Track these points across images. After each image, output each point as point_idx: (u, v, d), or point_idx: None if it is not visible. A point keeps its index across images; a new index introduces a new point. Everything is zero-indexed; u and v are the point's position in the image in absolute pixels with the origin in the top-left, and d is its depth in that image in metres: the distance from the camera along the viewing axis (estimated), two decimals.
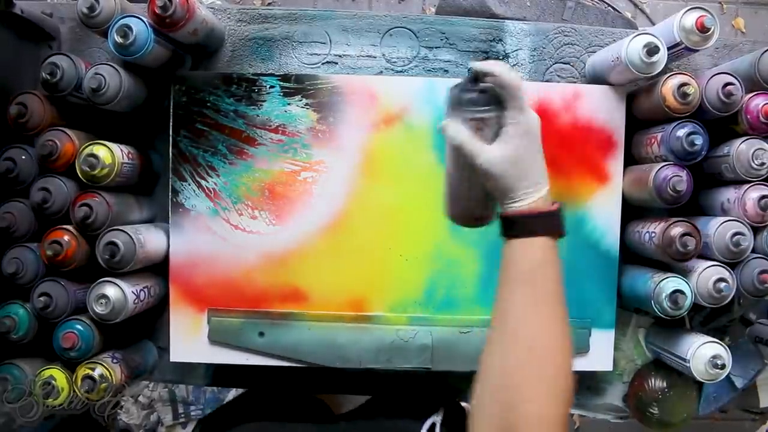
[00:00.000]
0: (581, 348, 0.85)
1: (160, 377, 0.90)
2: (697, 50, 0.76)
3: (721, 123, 0.78)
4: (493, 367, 0.51)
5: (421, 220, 0.83)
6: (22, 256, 0.75)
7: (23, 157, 0.77)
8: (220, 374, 0.91)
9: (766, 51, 0.76)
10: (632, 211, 0.86)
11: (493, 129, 0.56)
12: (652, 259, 0.82)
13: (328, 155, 0.84)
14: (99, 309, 0.74)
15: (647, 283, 0.79)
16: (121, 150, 0.78)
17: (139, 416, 1.72)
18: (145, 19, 0.73)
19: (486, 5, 1.04)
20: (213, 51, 0.88)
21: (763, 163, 0.75)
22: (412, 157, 0.84)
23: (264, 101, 0.83)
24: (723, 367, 0.76)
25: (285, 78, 0.83)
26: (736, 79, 0.75)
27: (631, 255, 0.86)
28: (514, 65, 0.89)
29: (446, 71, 0.89)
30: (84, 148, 0.75)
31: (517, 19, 0.99)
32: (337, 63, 0.89)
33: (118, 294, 0.74)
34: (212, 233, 0.83)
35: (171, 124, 0.83)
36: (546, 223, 0.54)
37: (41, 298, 0.74)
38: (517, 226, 0.54)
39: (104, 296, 0.74)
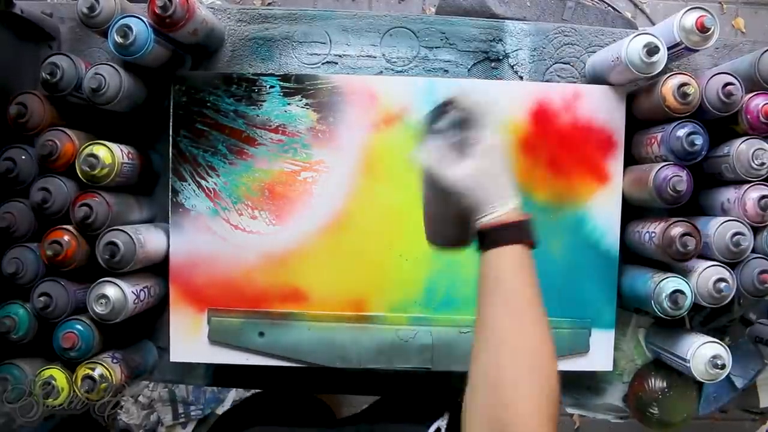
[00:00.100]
0: (581, 348, 0.85)
1: (160, 377, 0.90)
2: (697, 50, 0.76)
3: (721, 123, 0.78)
4: (480, 370, 0.53)
5: (421, 220, 0.83)
6: (22, 256, 0.75)
7: (23, 157, 0.77)
8: (220, 374, 0.91)
9: (766, 51, 0.76)
10: (632, 211, 0.86)
11: (460, 152, 0.60)
12: (652, 259, 0.82)
13: (328, 155, 0.84)
14: (99, 309, 0.74)
15: (647, 283, 0.79)
16: (121, 150, 0.78)
17: (139, 416, 1.72)
18: (145, 19, 0.73)
19: (486, 5, 1.04)
20: (213, 51, 0.88)
21: (763, 163, 0.75)
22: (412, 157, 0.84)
23: (264, 101, 0.83)
24: (723, 367, 0.76)
25: (285, 78, 0.83)
26: (736, 79, 0.75)
27: (631, 255, 0.87)
28: (514, 65, 0.89)
29: (446, 71, 0.89)
30: (84, 148, 0.75)
31: (517, 19, 0.99)
32: (337, 63, 0.89)
33: (118, 294, 0.74)
34: (212, 233, 0.83)
35: (171, 124, 0.83)
36: (517, 233, 0.57)
37: (41, 298, 0.74)
38: (490, 238, 0.56)
39: (104, 296, 0.74)
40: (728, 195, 0.79)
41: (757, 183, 0.77)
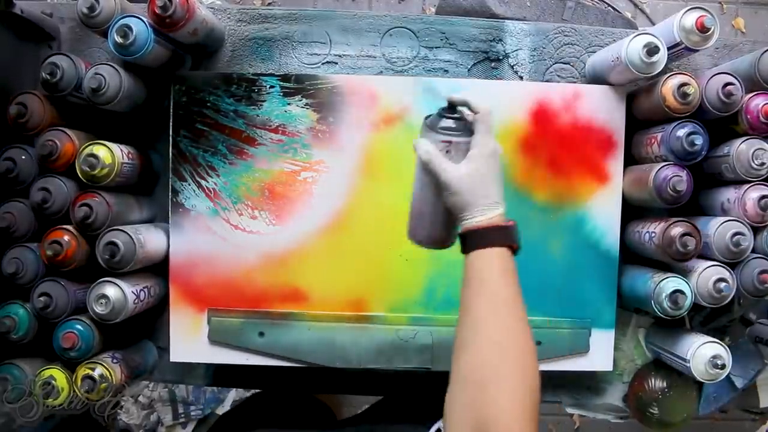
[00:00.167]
0: (581, 348, 0.85)
1: (160, 377, 0.90)
2: (697, 50, 0.76)
3: (721, 123, 0.78)
4: (463, 368, 0.54)
5: None
6: (22, 256, 0.75)
7: (23, 157, 0.77)
8: (220, 374, 0.91)
9: (766, 51, 0.76)
10: (632, 211, 0.86)
11: (461, 153, 0.62)
12: (652, 259, 0.82)
13: (328, 155, 0.84)
14: (99, 309, 0.74)
15: (647, 283, 0.79)
16: (121, 150, 0.78)
17: (139, 416, 1.72)
18: (145, 19, 0.73)
19: (486, 5, 1.04)
20: (213, 51, 0.88)
21: (763, 163, 0.75)
22: (412, 157, 0.84)
23: (264, 101, 0.83)
24: (723, 367, 0.76)
25: (285, 78, 0.83)
26: (736, 79, 0.75)
27: (631, 255, 0.87)
28: (514, 65, 0.89)
29: (446, 71, 0.89)
30: (84, 148, 0.75)
31: (517, 19, 0.99)
32: (337, 63, 0.89)
33: (118, 294, 0.74)
34: (212, 233, 0.84)
35: (171, 124, 0.83)
36: (501, 236, 0.59)
37: (41, 298, 0.74)
38: (475, 239, 0.59)
39: (104, 296, 0.74)
40: (728, 195, 0.79)
41: (757, 183, 0.77)
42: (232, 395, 1.77)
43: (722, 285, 0.75)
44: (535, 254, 0.84)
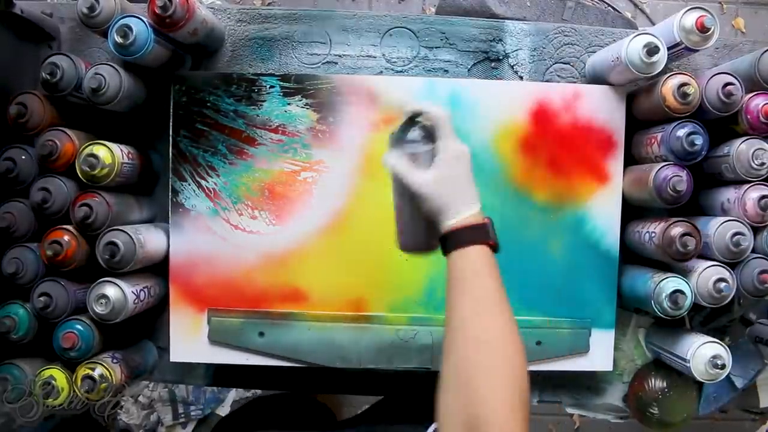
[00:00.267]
0: (581, 348, 0.85)
1: (160, 377, 0.90)
2: (697, 50, 0.76)
3: (721, 123, 0.78)
4: (452, 368, 0.55)
5: None
6: (22, 256, 0.75)
7: (23, 157, 0.77)
8: (220, 374, 0.91)
9: (766, 51, 0.76)
10: (632, 211, 0.86)
11: (428, 162, 0.64)
12: (652, 259, 0.82)
13: (328, 155, 0.84)
14: (99, 309, 0.74)
15: (647, 283, 0.79)
16: (121, 150, 0.78)
17: (139, 416, 1.72)
18: (145, 19, 0.73)
19: (486, 5, 1.04)
20: (213, 51, 0.88)
21: (763, 163, 0.75)
22: None
23: (264, 101, 0.83)
24: (723, 367, 0.76)
25: (285, 78, 0.83)
26: (736, 79, 0.75)
27: (631, 255, 0.87)
28: (514, 65, 0.89)
29: (446, 71, 0.89)
30: (84, 148, 0.75)
31: (517, 19, 0.99)
32: (337, 63, 0.89)
33: (118, 294, 0.74)
34: (212, 233, 0.84)
35: (171, 124, 0.83)
36: (478, 234, 0.60)
37: (41, 298, 0.74)
38: (452, 240, 0.60)
39: (104, 296, 0.74)
40: (728, 195, 0.79)
41: (757, 183, 0.77)
42: (232, 395, 1.77)
43: (722, 285, 0.75)
44: (535, 254, 0.84)
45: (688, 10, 0.75)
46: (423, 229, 0.67)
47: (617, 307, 0.86)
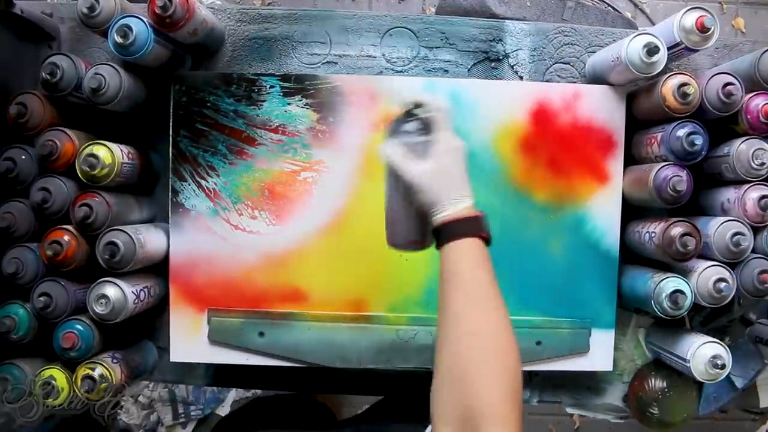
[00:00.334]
0: (581, 348, 0.85)
1: (160, 377, 0.90)
2: (697, 50, 0.76)
3: (721, 123, 0.78)
4: (445, 362, 0.55)
5: None
6: (22, 256, 0.75)
7: (23, 157, 0.77)
8: (220, 374, 0.91)
9: (766, 51, 0.76)
10: (632, 211, 0.86)
11: (424, 152, 0.64)
12: (652, 259, 0.82)
13: (328, 155, 0.84)
14: (99, 309, 0.74)
15: (647, 283, 0.79)
16: (121, 150, 0.78)
17: (139, 416, 1.72)
18: (145, 19, 0.73)
19: (486, 5, 1.04)
20: (213, 51, 0.88)
21: (763, 163, 0.75)
22: None
23: (264, 101, 0.83)
24: (723, 367, 0.76)
25: (285, 78, 0.83)
26: (736, 79, 0.75)
27: (631, 255, 0.87)
28: (514, 65, 0.89)
29: (446, 71, 0.89)
30: (84, 148, 0.75)
31: (517, 19, 0.99)
32: (337, 63, 0.89)
33: (118, 294, 0.74)
34: (212, 233, 0.84)
35: (171, 124, 0.83)
36: (470, 227, 0.60)
37: (41, 298, 0.74)
38: (446, 232, 0.60)
39: (104, 296, 0.74)
40: (728, 195, 0.79)
41: (757, 183, 0.77)
42: (232, 395, 1.77)
43: (722, 285, 0.75)
44: (535, 254, 0.84)
45: (688, 10, 0.75)
46: (413, 225, 0.67)
47: (617, 307, 0.86)
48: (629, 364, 0.91)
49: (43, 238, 0.75)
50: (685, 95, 0.75)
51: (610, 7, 1.21)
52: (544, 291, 0.85)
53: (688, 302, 0.75)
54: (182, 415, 1.73)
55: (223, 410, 1.76)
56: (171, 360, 0.85)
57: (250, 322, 0.84)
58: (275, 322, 0.84)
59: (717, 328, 0.88)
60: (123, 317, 0.75)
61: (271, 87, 0.83)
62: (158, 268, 0.84)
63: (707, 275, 0.76)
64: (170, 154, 0.83)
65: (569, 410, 0.94)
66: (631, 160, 0.86)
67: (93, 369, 0.74)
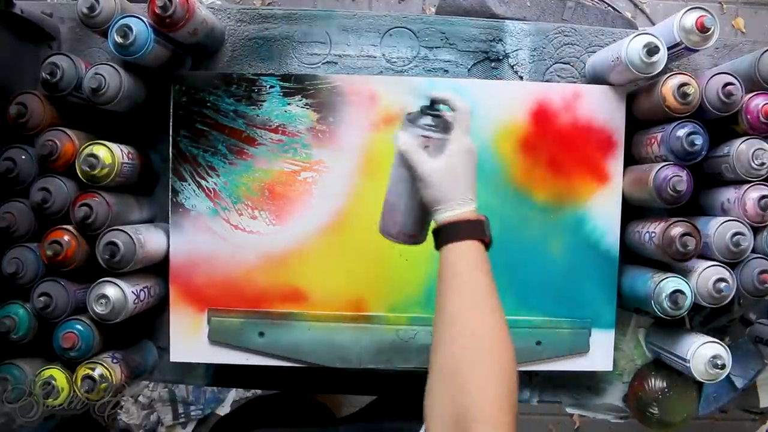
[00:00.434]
0: (581, 348, 0.85)
1: (160, 377, 0.90)
2: (697, 50, 0.76)
3: (721, 123, 0.78)
4: (440, 361, 0.55)
5: None
6: (22, 256, 0.75)
7: (23, 157, 0.77)
8: (220, 374, 0.91)
9: (766, 51, 0.76)
10: (632, 211, 0.86)
11: (438, 150, 0.64)
12: (652, 259, 0.82)
13: (328, 155, 0.84)
14: (99, 309, 0.74)
15: (647, 283, 0.79)
16: (121, 150, 0.78)
17: (139, 416, 1.72)
18: (145, 19, 0.73)
19: (486, 5, 1.04)
20: (213, 51, 0.88)
21: (763, 163, 0.75)
22: None
23: (264, 101, 0.83)
24: (723, 367, 0.76)
25: (285, 78, 0.83)
26: (736, 79, 0.75)
27: (631, 255, 0.87)
28: (514, 65, 0.89)
29: (446, 71, 0.89)
30: (84, 148, 0.75)
31: (517, 19, 0.99)
32: (337, 63, 0.89)
33: (118, 294, 0.74)
34: (212, 233, 0.84)
35: (171, 124, 0.83)
36: (473, 230, 0.60)
37: (41, 298, 0.74)
38: (448, 232, 0.60)
39: (104, 296, 0.74)
40: (728, 195, 0.79)
41: (757, 183, 0.77)
42: (232, 395, 1.77)
43: (722, 285, 0.75)
44: (535, 254, 0.84)
45: (688, 10, 0.75)
46: (412, 218, 0.67)
47: (617, 307, 0.86)
48: (629, 364, 0.91)
49: (43, 238, 0.75)
50: (685, 95, 0.75)
51: (610, 7, 1.21)
52: (544, 291, 0.85)
53: (688, 302, 0.75)
54: (182, 415, 1.74)
55: (223, 410, 1.76)
56: (171, 360, 0.85)
57: (250, 322, 0.84)
58: (275, 322, 0.84)
59: (717, 328, 0.88)
60: (123, 317, 0.75)
61: (271, 87, 0.83)
62: (158, 268, 0.84)
63: (707, 275, 0.76)
64: (170, 154, 0.83)
65: (569, 410, 0.94)
66: (631, 160, 0.86)
67: (93, 369, 0.74)
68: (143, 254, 0.77)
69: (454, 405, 0.50)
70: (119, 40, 0.72)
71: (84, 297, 0.76)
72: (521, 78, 0.89)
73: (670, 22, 0.76)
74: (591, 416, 0.96)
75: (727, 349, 0.78)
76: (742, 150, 0.76)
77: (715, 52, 0.90)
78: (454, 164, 0.62)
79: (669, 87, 0.76)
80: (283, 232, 0.84)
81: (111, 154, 0.76)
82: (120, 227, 0.75)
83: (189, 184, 0.84)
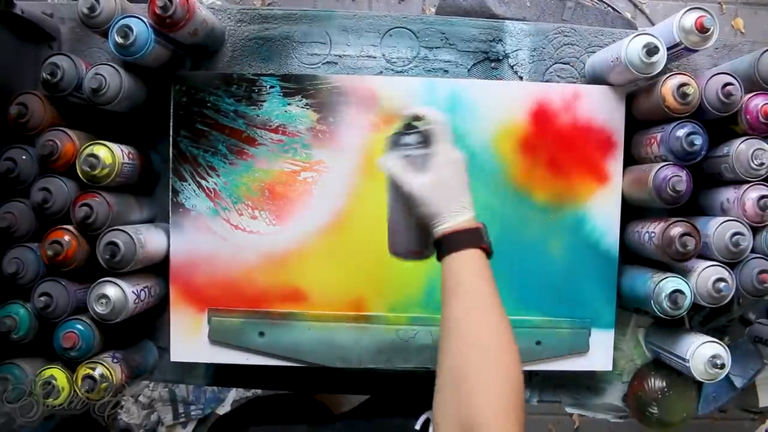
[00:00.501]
0: (581, 348, 0.85)
1: (160, 377, 0.91)
2: (697, 50, 0.76)
3: (721, 123, 0.78)
4: (445, 370, 0.55)
5: None
6: (23, 256, 0.76)
7: (24, 157, 0.77)
8: (220, 374, 0.91)
9: (765, 51, 0.76)
10: (632, 211, 0.86)
11: (423, 165, 0.64)
12: (651, 259, 0.82)
13: (328, 155, 0.84)
14: (99, 309, 0.74)
15: (647, 283, 0.79)
16: (122, 150, 0.78)
17: (139, 416, 1.73)
18: (145, 20, 0.73)
19: (486, 5, 1.04)
20: (213, 51, 0.88)
21: (762, 163, 0.75)
22: None
23: (264, 101, 0.83)
24: (722, 366, 0.76)
25: (285, 78, 0.84)
26: (736, 79, 0.75)
27: (631, 255, 0.87)
28: (514, 65, 0.89)
29: (446, 71, 0.89)
30: (84, 148, 0.75)
31: (517, 20, 0.99)
32: (337, 63, 0.89)
33: (118, 294, 0.74)
34: (212, 233, 0.84)
35: (171, 124, 0.83)
36: (471, 238, 0.61)
37: (42, 298, 0.74)
38: (447, 244, 0.61)
39: (104, 296, 0.74)
40: (728, 195, 0.79)
41: (757, 183, 0.77)
42: (232, 395, 1.77)
43: (722, 285, 0.75)
44: (534, 254, 0.85)
45: (688, 10, 0.75)
46: (415, 235, 0.67)
47: (617, 307, 0.86)
48: (629, 364, 0.91)
49: (43, 238, 0.75)
50: (684, 95, 0.75)
51: (609, 8, 1.21)
52: (543, 291, 0.85)
53: (687, 302, 0.75)
54: (182, 415, 1.74)
55: (224, 410, 1.76)
56: (171, 360, 0.85)
57: (250, 322, 0.84)
58: (275, 322, 0.84)
59: (716, 327, 0.88)
60: (123, 317, 0.75)
61: (271, 87, 0.83)
62: (158, 268, 0.84)
63: (707, 275, 0.76)
64: (170, 154, 0.83)
65: (569, 410, 0.94)
66: (630, 160, 0.86)
67: (93, 369, 0.74)
68: (143, 254, 0.77)
69: (462, 417, 0.51)
70: (119, 40, 0.72)
71: (84, 297, 0.76)
72: (521, 78, 0.89)
73: (669, 22, 0.76)
74: (591, 416, 0.96)
75: (727, 348, 0.78)
76: (741, 150, 0.76)
77: (714, 53, 0.90)
78: (441, 176, 0.63)
79: (668, 87, 0.76)
80: (283, 232, 0.84)
81: (111, 154, 0.76)
82: (120, 227, 0.75)
83: (189, 184, 0.84)
